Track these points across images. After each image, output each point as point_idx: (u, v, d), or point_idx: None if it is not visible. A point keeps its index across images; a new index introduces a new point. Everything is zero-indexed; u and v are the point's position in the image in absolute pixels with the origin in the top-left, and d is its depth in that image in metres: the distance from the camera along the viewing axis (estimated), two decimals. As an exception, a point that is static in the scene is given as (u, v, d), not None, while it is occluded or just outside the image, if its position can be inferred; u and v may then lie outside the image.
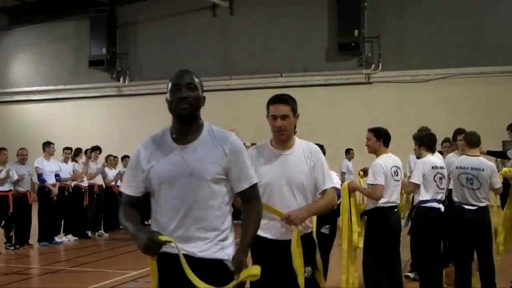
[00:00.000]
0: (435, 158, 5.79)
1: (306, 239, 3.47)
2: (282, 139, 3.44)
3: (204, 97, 2.68)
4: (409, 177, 6.09)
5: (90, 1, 18.99)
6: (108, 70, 19.61)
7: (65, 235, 11.11)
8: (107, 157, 12.68)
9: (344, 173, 13.21)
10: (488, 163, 5.84)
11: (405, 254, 6.18)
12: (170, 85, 2.63)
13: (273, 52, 17.55)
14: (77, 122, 19.83)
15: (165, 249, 2.46)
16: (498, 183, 5.86)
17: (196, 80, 2.65)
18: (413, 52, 16.30)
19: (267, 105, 3.47)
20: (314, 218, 3.98)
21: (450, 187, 6.03)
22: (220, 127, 2.74)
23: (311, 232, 3.59)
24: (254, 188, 2.69)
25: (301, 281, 3.28)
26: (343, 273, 4.63)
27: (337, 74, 16.99)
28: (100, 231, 11.98)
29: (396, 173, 5.31)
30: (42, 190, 10.58)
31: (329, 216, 5.01)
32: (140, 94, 19.14)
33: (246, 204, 2.69)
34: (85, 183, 11.40)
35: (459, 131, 7.05)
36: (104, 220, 12.16)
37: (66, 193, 10.99)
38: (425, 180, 5.67)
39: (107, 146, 13.56)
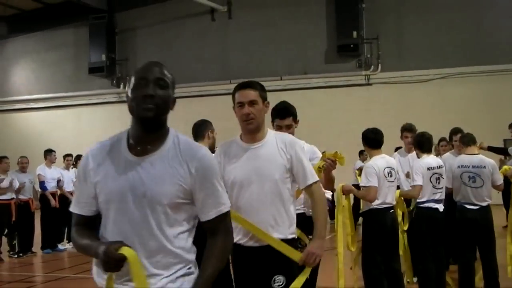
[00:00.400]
0: (430, 159, 5.78)
1: (288, 244, 3.10)
2: (251, 128, 3.09)
3: (175, 99, 2.16)
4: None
5: (88, 8, 19.01)
6: (108, 77, 19.64)
7: (68, 242, 11.09)
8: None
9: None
10: (488, 160, 5.85)
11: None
12: (133, 78, 2.11)
13: (272, 56, 17.56)
14: (78, 129, 19.84)
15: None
16: (500, 180, 5.88)
17: (169, 76, 2.13)
18: (412, 53, 16.30)
19: (233, 94, 3.15)
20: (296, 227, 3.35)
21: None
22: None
23: (292, 239, 3.14)
24: (223, 218, 2.13)
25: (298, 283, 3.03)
26: (340, 277, 4.60)
27: (336, 76, 17.00)
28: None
29: (389, 174, 5.29)
30: (45, 197, 10.60)
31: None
32: (140, 100, 19.13)
33: (210, 237, 2.13)
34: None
35: (454, 131, 7.09)
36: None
37: (68, 200, 11.00)
38: None
39: (108, 152, 13.54)
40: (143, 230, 2.03)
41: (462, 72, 15.67)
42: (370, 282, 5.34)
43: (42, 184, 10.55)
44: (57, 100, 20.46)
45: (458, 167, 5.82)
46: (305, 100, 16.73)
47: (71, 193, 11.07)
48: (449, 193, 5.94)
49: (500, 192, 6.59)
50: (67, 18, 19.86)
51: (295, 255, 3.02)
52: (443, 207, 5.76)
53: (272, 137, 3.15)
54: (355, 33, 16.38)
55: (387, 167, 5.30)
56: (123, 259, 1.91)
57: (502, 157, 9.09)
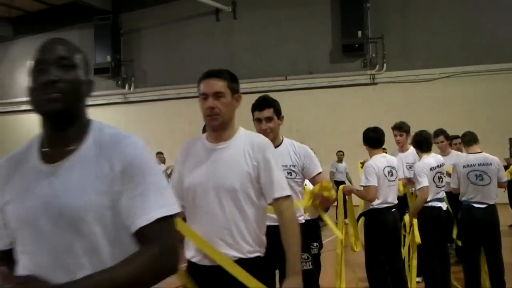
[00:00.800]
0: (431, 159, 5.75)
1: (247, 264, 2.50)
2: (214, 125, 2.58)
3: (91, 81, 1.66)
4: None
5: (93, 9, 19.07)
6: (113, 78, 19.70)
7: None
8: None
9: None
10: (492, 157, 5.81)
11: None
12: (31, 64, 1.59)
13: (277, 55, 17.56)
14: (84, 130, 19.89)
15: None
16: (505, 177, 5.87)
17: (76, 55, 1.62)
18: (417, 52, 16.27)
19: (198, 83, 2.67)
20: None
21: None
22: None
23: (253, 258, 2.54)
24: (157, 226, 1.51)
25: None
26: (336, 278, 4.59)
27: (341, 76, 16.98)
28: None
29: (390, 173, 5.25)
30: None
31: (313, 232, 4.42)
32: (146, 101, 19.21)
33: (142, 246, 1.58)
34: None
35: (436, 133, 7.04)
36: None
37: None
38: None
39: (114, 153, 13.59)
40: (67, 259, 1.52)
41: (467, 71, 15.61)
42: (376, 283, 5.33)
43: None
44: (63, 101, 20.50)
45: (464, 166, 5.78)
46: (310, 100, 16.78)
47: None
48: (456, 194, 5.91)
49: (506, 191, 6.59)
50: (72, 19, 19.91)
51: (250, 282, 2.41)
52: (445, 207, 5.76)
53: (241, 138, 2.61)
54: (360, 33, 16.35)
55: (388, 166, 5.27)
56: None
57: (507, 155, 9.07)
